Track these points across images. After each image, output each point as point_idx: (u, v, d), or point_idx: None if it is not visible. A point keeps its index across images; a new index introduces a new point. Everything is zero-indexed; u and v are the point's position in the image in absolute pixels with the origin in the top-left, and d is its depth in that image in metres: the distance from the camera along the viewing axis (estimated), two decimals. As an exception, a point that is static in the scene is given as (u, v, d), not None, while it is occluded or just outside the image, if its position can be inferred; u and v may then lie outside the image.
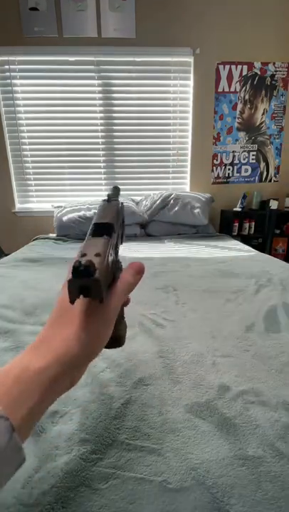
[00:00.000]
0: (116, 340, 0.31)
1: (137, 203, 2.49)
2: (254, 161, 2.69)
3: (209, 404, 0.47)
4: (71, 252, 1.72)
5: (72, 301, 0.22)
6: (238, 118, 2.57)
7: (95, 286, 0.21)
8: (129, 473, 0.36)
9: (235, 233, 2.54)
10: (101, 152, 2.58)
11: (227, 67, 2.45)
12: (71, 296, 0.22)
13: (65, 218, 2.22)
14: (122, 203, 0.36)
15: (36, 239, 2.22)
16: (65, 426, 0.42)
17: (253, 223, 2.59)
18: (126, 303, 0.32)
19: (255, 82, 2.50)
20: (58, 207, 2.40)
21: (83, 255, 0.23)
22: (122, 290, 0.27)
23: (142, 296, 0.94)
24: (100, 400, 0.47)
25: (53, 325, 0.25)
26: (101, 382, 0.51)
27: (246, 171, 2.71)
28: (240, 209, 2.56)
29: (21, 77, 2.38)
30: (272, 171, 2.72)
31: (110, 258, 0.26)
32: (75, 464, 0.36)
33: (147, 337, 0.68)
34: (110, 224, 0.28)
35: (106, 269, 0.23)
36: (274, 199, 2.53)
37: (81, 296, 0.22)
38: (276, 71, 2.49)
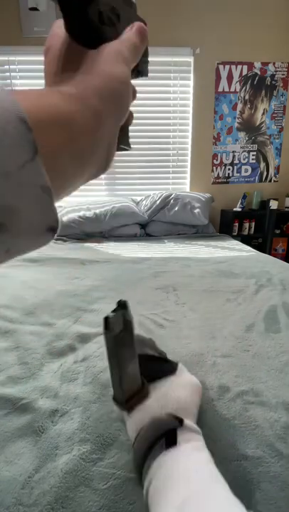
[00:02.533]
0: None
1: (137, 203, 2.49)
2: (254, 161, 2.69)
3: (209, 404, 0.47)
4: (71, 252, 1.72)
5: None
6: (238, 118, 2.57)
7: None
8: (130, 473, 0.36)
9: (235, 233, 2.55)
10: (101, 152, 2.58)
11: (227, 67, 2.45)
12: None
13: (65, 218, 2.22)
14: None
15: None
16: (65, 425, 0.42)
17: (253, 223, 2.59)
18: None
19: (255, 82, 2.50)
20: (58, 207, 2.40)
21: None
22: (125, 40, 0.22)
23: (142, 296, 0.94)
24: (101, 401, 0.47)
25: (59, 70, 0.21)
26: (102, 383, 0.51)
27: (246, 171, 2.71)
28: (240, 209, 2.56)
29: (21, 77, 2.38)
30: (272, 171, 2.72)
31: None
32: (75, 464, 0.36)
33: (147, 337, 0.68)
34: None
35: None
36: (274, 199, 2.53)
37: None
38: (276, 71, 2.49)
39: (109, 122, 0.20)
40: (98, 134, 0.19)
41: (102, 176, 2.63)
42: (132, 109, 0.27)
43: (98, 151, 0.20)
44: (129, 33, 0.23)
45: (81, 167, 0.18)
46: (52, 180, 0.15)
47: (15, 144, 0.13)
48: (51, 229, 0.15)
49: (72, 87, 0.18)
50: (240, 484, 0.35)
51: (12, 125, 0.13)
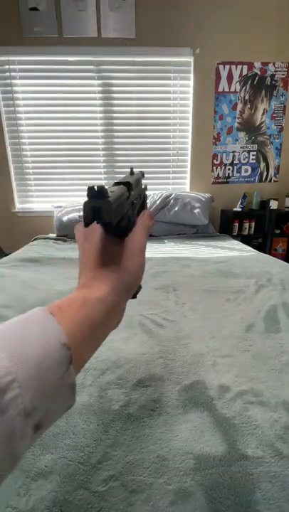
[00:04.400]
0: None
1: (137, 203, 2.48)
2: (254, 161, 2.68)
3: (209, 404, 0.47)
4: (71, 252, 1.72)
5: (86, 224, 0.24)
6: (238, 118, 2.57)
7: (106, 207, 0.23)
8: (129, 475, 0.36)
9: (235, 233, 2.54)
10: (101, 152, 2.58)
11: (227, 67, 2.45)
12: (85, 218, 0.23)
13: (65, 218, 2.22)
14: (143, 173, 0.43)
15: (36, 239, 2.22)
16: (62, 429, 0.42)
17: (253, 223, 2.59)
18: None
19: (255, 82, 2.50)
20: (58, 207, 2.40)
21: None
22: (142, 228, 0.31)
23: (142, 296, 0.94)
24: (99, 403, 0.47)
25: (93, 267, 0.27)
26: (101, 385, 0.51)
27: (246, 171, 2.70)
28: (240, 209, 2.56)
29: (21, 77, 2.37)
30: (272, 171, 2.72)
31: (126, 202, 0.28)
32: (74, 469, 0.36)
33: (147, 337, 0.68)
34: (128, 182, 0.31)
35: (120, 203, 0.25)
36: (274, 199, 2.53)
37: (99, 235, 0.28)
38: (276, 71, 2.49)
39: (122, 305, 0.27)
40: (112, 319, 0.26)
41: (102, 176, 2.63)
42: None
43: (111, 328, 0.27)
44: (143, 220, 0.32)
45: (98, 347, 0.25)
46: (76, 370, 0.20)
47: (58, 365, 0.18)
48: (69, 407, 0.21)
49: (99, 290, 0.25)
50: (240, 484, 0.35)
51: (57, 350, 0.18)
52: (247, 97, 2.53)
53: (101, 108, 2.48)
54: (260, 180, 2.74)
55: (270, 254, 2.45)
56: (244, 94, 2.52)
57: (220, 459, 0.38)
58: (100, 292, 0.25)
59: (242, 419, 0.44)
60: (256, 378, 0.53)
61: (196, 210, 2.26)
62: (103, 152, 2.58)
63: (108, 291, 0.25)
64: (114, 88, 2.45)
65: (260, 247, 2.61)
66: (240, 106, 2.54)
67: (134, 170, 0.39)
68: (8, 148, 2.50)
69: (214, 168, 2.66)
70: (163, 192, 2.40)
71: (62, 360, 0.18)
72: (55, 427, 0.42)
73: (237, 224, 2.54)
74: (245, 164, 2.69)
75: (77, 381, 0.51)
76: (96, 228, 0.28)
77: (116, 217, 0.24)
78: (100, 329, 0.23)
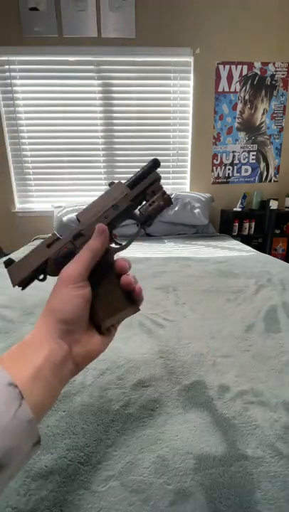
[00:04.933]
0: (97, 325, 0.33)
1: (137, 203, 2.48)
2: (254, 161, 2.69)
3: (209, 404, 0.47)
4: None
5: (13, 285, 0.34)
6: (238, 118, 2.57)
7: (8, 273, 0.34)
8: (129, 475, 0.36)
9: (235, 233, 2.55)
10: (101, 152, 2.58)
11: (227, 67, 2.45)
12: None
13: (65, 218, 2.22)
14: (155, 161, 0.39)
15: (36, 239, 2.22)
16: (62, 429, 0.42)
17: (253, 223, 2.59)
18: (121, 269, 0.35)
19: (255, 82, 2.50)
20: (58, 207, 2.40)
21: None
22: (78, 256, 0.32)
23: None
24: (99, 403, 0.47)
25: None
26: (100, 385, 0.51)
27: (246, 171, 2.70)
28: (240, 209, 2.56)
29: (21, 77, 2.37)
30: (272, 171, 2.72)
31: (44, 251, 0.36)
32: (74, 469, 0.36)
33: (147, 337, 0.68)
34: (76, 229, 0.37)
35: (18, 265, 0.34)
36: (274, 199, 2.53)
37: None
38: (276, 71, 2.49)
39: (56, 341, 0.28)
40: (52, 355, 0.27)
41: (102, 176, 2.63)
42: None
43: (62, 365, 0.28)
44: (90, 243, 0.33)
45: (53, 385, 0.25)
46: (37, 408, 0.22)
47: (7, 404, 0.19)
48: (37, 443, 0.21)
49: (33, 329, 0.28)
50: (240, 484, 0.35)
51: (3, 391, 0.20)
52: (247, 97, 2.53)
53: (101, 108, 2.48)
54: (260, 180, 2.74)
55: (270, 254, 2.45)
56: (244, 94, 2.52)
57: (220, 459, 0.38)
58: (33, 331, 0.27)
59: (242, 419, 0.44)
60: (256, 378, 0.53)
61: (196, 210, 2.26)
62: (103, 152, 2.58)
63: (37, 328, 0.28)
64: (114, 88, 2.45)
65: (260, 247, 2.61)
66: (240, 106, 2.54)
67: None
68: (8, 148, 2.50)
69: (214, 168, 2.66)
70: (163, 192, 2.40)
71: (11, 398, 0.20)
72: (56, 427, 0.42)
73: (237, 224, 2.54)
74: (245, 164, 2.69)
75: (77, 381, 0.51)
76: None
77: (15, 279, 0.33)
78: (43, 367, 0.24)
